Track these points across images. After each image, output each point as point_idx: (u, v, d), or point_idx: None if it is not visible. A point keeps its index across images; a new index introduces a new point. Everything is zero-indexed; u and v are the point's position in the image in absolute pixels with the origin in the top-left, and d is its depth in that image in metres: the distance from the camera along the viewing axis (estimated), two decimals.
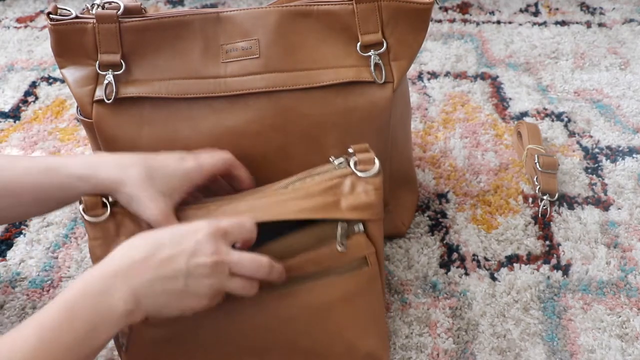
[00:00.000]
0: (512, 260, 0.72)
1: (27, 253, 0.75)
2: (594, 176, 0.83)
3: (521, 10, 1.20)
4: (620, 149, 0.87)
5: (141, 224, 0.53)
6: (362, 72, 0.60)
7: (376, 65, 0.61)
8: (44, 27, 1.21)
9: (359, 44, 0.61)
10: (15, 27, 1.21)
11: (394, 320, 0.66)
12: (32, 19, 1.24)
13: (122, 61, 0.61)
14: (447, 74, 1.03)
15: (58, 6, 0.61)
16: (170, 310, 0.47)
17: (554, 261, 0.72)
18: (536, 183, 0.79)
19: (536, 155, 0.81)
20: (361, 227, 0.54)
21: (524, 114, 0.94)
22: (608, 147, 0.88)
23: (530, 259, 0.72)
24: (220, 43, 0.61)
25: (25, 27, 1.21)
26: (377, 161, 0.54)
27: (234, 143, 0.62)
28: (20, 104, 1.01)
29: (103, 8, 0.61)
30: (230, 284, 0.48)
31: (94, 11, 0.61)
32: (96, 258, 0.52)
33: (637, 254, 0.72)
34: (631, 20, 1.16)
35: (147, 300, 0.45)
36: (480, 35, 1.13)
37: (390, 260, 0.73)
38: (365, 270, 0.55)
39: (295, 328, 0.54)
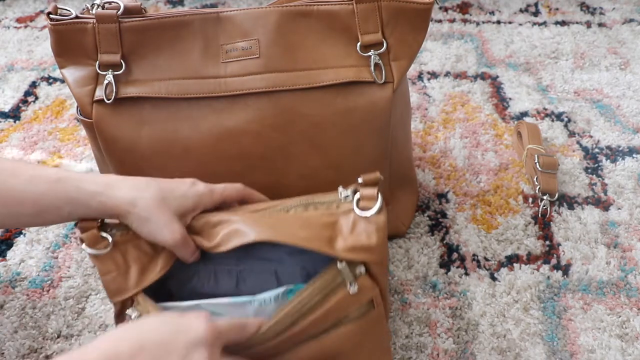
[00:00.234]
0: (512, 260, 0.72)
1: (27, 253, 0.75)
2: (594, 176, 0.83)
3: (521, 10, 1.20)
4: (620, 149, 0.87)
5: (145, 250, 0.52)
6: (362, 72, 0.60)
7: (376, 65, 0.61)
8: (44, 27, 1.21)
9: (359, 44, 0.61)
10: (15, 27, 1.21)
11: (394, 320, 0.66)
12: (32, 19, 1.24)
13: (122, 61, 0.61)
14: (447, 74, 1.03)
15: (58, 6, 0.61)
16: None
17: (554, 261, 0.72)
18: (536, 183, 0.79)
19: (536, 155, 0.81)
20: (362, 269, 0.49)
21: (524, 114, 0.94)
22: (608, 147, 0.88)
23: (530, 259, 0.72)
24: (220, 43, 0.61)
25: (25, 27, 1.21)
26: (380, 198, 0.50)
27: (234, 143, 0.62)
28: (20, 104, 1.01)
29: (103, 8, 0.61)
30: None
31: (94, 11, 0.61)
32: (112, 293, 0.51)
33: (637, 254, 0.72)
34: (631, 20, 1.16)
35: None
36: (480, 35, 1.13)
37: (390, 260, 0.73)
38: (372, 314, 0.52)
39: None
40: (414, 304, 0.68)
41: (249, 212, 0.54)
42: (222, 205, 0.56)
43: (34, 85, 1.05)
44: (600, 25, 1.15)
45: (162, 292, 0.54)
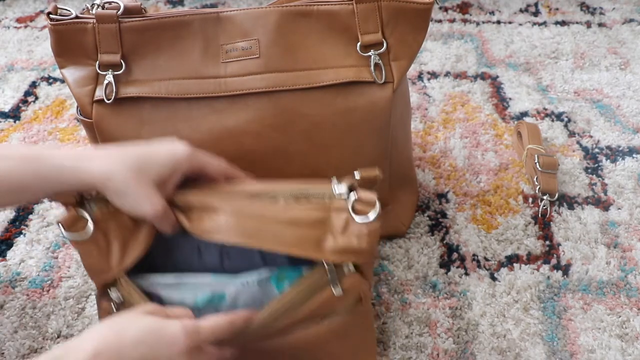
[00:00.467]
0: (512, 260, 0.72)
1: (27, 253, 0.75)
2: (594, 176, 0.83)
3: (521, 10, 1.20)
4: (620, 149, 0.87)
5: (126, 223, 0.51)
6: (362, 72, 0.60)
7: (376, 65, 0.61)
8: (44, 27, 1.21)
9: (359, 44, 0.61)
10: (15, 27, 1.21)
11: (394, 320, 0.66)
12: (32, 19, 1.24)
13: (122, 61, 0.61)
14: (447, 74, 1.03)
15: (58, 6, 0.61)
16: None
17: (554, 261, 0.72)
18: (536, 183, 0.79)
19: (536, 155, 0.81)
20: (351, 267, 0.50)
21: (524, 114, 0.94)
22: (608, 147, 0.88)
23: (530, 259, 0.72)
24: (220, 43, 0.61)
25: (25, 27, 1.22)
26: (377, 205, 0.48)
27: (234, 143, 0.62)
28: (20, 104, 1.01)
29: (103, 8, 0.61)
30: None
31: (94, 11, 0.61)
32: (94, 273, 0.51)
33: (637, 254, 0.72)
34: (631, 20, 1.16)
35: None
36: (480, 35, 1.13)
37: (390, 260, 0.73)
38: (360, 308, 0.53)
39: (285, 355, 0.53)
40: (414, 304, 0.68)
41: (239, 197, 0.52)
42: (206, 176, 0.55)
43: (34, 85, 1.05)
44: (600, 25, 1.15)
45: (145, 263, 0.53)
